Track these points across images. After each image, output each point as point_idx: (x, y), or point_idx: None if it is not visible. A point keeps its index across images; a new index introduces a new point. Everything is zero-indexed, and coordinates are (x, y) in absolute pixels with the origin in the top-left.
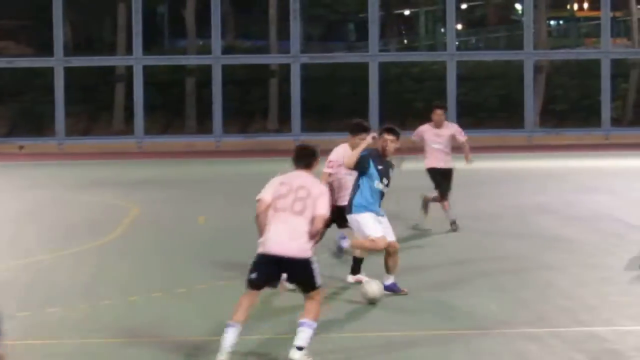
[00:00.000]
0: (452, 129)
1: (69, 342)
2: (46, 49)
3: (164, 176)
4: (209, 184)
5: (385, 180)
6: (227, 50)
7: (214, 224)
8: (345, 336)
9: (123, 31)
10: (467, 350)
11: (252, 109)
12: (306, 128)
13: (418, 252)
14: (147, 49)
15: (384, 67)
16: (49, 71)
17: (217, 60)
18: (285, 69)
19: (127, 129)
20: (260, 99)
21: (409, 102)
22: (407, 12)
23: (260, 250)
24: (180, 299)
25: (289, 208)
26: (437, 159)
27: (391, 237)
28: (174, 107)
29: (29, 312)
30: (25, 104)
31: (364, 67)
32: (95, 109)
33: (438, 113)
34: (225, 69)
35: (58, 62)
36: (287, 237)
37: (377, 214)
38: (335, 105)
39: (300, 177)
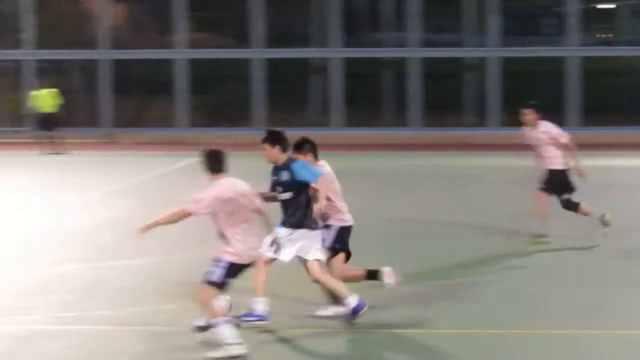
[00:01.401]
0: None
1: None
2: (243, 41)
3: (359, 169)
4: (405, 177)
5: (279, 189)
6: (423, 43)
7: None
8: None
9: (320, 23)
10: None
11: (448, 102)
12: (504, 123)
13: None
14: (344, 41)
15: (582, 61)
16: (247, 63)
17: (413, 53)
18: (481, 62)
19: (323, 121)
20: (455, 93)
21: (610, 97)
22: (607, 6)
23: None
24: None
25: None
26: None
27: (286, 255)
28: (371, 100)
29: None
30: (223, 95)
31: (559, 62)
32: (291, 100)
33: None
34: (421, 62)
35: (255, 54)
36: None
37: (285, 226)
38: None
39: None
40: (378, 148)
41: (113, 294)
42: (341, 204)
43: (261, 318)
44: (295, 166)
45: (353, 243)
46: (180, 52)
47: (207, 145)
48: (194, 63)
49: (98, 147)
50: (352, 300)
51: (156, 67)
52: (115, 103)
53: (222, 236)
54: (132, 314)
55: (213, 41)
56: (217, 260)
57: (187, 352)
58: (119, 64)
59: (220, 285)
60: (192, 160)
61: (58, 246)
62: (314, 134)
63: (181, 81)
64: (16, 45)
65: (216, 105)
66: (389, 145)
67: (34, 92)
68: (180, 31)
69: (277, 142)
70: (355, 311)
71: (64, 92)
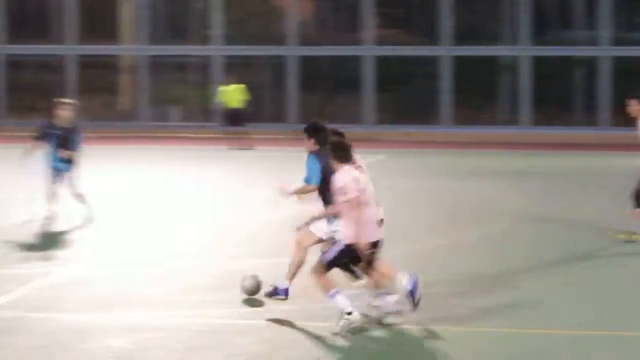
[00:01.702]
0: None
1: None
2: (431, 38)
3: (545, 168)
4: (590, 177)
5: None
6: (614, 41)
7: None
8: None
9: (509, 21)
10: None
11: None
12: None
13: None
14: (533, 39)
15: None
16: (434, 60)
17: (604, 52)
18: None
19: (511, 120)
20: None
21: None
22: None
23: None
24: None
25: None
26: None
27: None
28: (560, 99)
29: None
30: (410, 93)
31: None
32: (478, 98)
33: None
34: (611, 60)
35: (443, 51)
36: None
37: None
38: None
39: None
40: (567, 147)
41: (296, 290)
42: (369, 213)
43: (284, 295)
44: (307, 159)
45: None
46: (368, 49)
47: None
48: (381, 60)
49: (285, 143)
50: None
51: (343, 63)
52: (301, 99)
53: (340, 219)
54: (311, 310)
55: (400, 38)
56: (334, 244)
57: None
58: (305, 60)
59: (333, 265)
60: (379, 157)
61: (244, 241)
62: (501, 132)
63: (368, 78)
64: (205, 41)
65: (402, 103)
66: (578, 144)
67: (222, 88)
68: (368, 28)
69: (313, 134)
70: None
71: (251, 88)
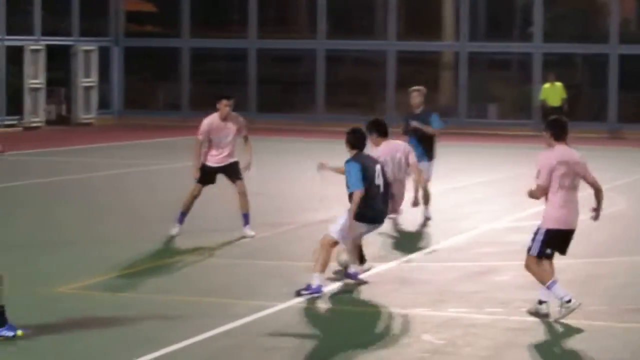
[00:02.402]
0: None
1: None
2: None
3: None
4: None
5: None
6: None
7: None
8: None
9: None
10: None
11: None
12: None
13: None
14: None
15: None
16: None
17: None
18: None
19: None
20: None
21: None
22: None
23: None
24: None
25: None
26: None
27: None
28: None
29: None
30: None
31: None
32: None
33: None
34: None
35: None
36: None
37: None
38: None
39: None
40: None
41: (606, 291)
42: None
43: (317, 291)
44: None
45: None
46: None
47: None
48: None
49: (602, 142)
50: (316, 279)
51: None
52: (622, 98)
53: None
54: (625, 311)
55: None
56: (535, 232)
57: None
58: (626, 58)
59: (541, 256)
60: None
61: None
62: None
63: None
64: (525, 38)
65: None
66: None
67: (544, 86)
68: None
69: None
70: (310, 288)
71: (569, 86)
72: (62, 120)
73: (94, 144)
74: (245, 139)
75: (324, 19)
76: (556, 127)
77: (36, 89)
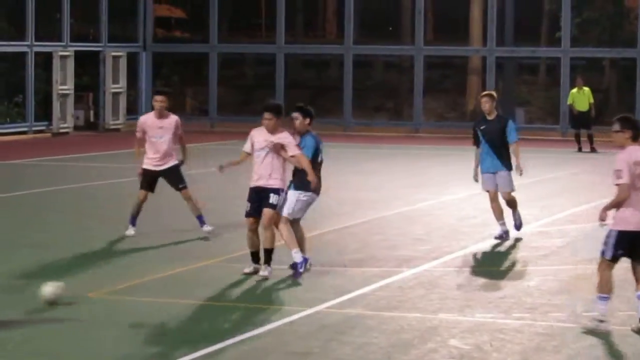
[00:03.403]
0: None
1: None
2: None
3: None
4: None
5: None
6: None
7: None
8: None
9: None
10: None
11: None
12: None
13: None
14: None
15: None
16: None
17: None
18: None
19: None
20: None
21: None
22: None
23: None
24: None
25: None
26: None
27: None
28: None
29: None
30: None
31: None
32: None
33: None
34: None
35: None
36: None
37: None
38: None
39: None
40: None
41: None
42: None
43: (306, 261)
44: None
45: None
46: None
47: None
48: None
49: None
50: (297, 255)
51: None
52: None
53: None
54: None
55: None
56: (607, 236)
57: None
58: None
59: (614, 259)
60: None
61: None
62: None
63: None
64: (554, 42)
65: None
66: None
67: (572, 91)
68: None
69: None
70: (295, 265)
71: (596, 91)
72: (90, 126)
73: (122, 149)
74: (180, 138)
75: (351, 24)
76: (638, 127)
77: (65, 95)
